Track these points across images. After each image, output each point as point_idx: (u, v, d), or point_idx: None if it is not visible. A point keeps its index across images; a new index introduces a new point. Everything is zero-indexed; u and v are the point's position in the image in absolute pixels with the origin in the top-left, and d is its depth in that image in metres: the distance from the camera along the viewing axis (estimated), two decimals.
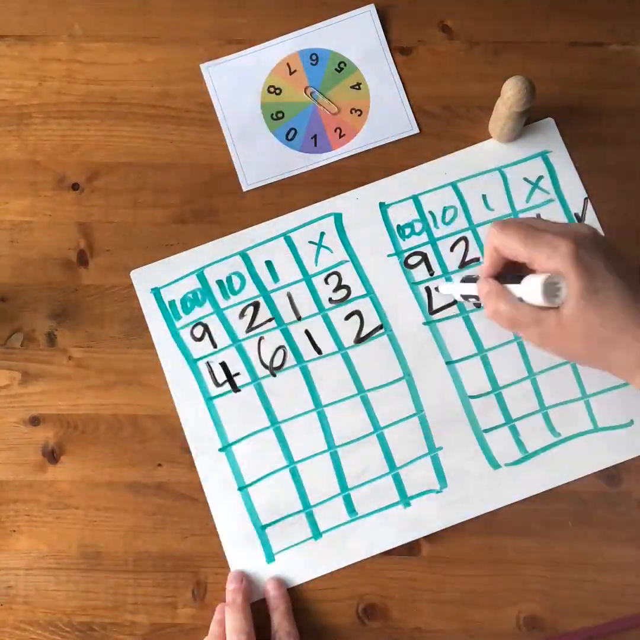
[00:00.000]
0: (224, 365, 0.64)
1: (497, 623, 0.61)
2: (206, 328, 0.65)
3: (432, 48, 0.69)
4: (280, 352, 0.65)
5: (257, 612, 0.60)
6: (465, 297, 0.61)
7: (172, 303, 0.65)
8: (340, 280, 0.66)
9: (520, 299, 0.52)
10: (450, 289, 0.63)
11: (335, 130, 0.68)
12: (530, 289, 0.50)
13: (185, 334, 0.65)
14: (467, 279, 0.60)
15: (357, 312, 0.65)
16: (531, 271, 0.52)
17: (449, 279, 0.65)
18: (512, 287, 0.52)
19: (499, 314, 0.52)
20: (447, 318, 0.65)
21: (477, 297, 0.58)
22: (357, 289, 0.65)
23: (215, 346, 0.65)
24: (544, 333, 0.51)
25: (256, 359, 0.64)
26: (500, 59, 0.69)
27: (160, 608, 0.62)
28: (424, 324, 0.65)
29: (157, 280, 0.66)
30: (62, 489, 0.63)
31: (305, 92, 0.68)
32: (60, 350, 0.65)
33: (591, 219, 0.66)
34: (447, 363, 0.64)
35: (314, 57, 0.69)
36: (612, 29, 0.69)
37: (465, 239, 0.66)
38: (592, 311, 0.48)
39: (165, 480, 0.63)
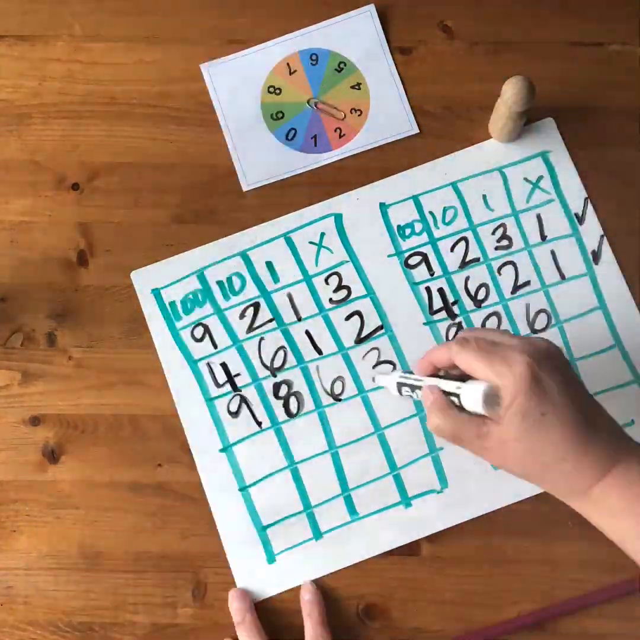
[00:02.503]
0: (224, 365, 0.64)
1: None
2: (206, 329, 0.65)
3: (432, 48, 0.69)
4: (281, 353, 0.65)
5: (264, 611, 0.61)
6: (400, 389, 0.58)
7: (172, 304, 0.65)
8: (340, 280, 0.66)
9: (460, 405, 0.51)
10: (387, 381, 0.60)
11: (335, 130, 0.68)
12: (471, 398, 0.50)
13: (185, 335, 0.65)
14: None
15: (358, 313, 0.65)
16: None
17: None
18: (453, 391, 0.52)
19: (442, 430, 0.52)
20: (447, 318, 0.65)
21: (411, 389, 0.57)
22: (358, 289, 0.65)
23: (215, 347, 0.65)
24: (485, 448, 0.50)
25: (257, 359, 0.64)
26: (500, 59, 0.69)
27: (160, 608, 0.62)
28: (425, 324, 0.65)
29: (158, 280, 0.66)
30: (62, 489, 0.63)
31: (308, 103, 0.68)
32: (60, 350, 0.65)
33: (591, 218, 0.66)
34: None
35: (314, 57, 0.69)
36: (612, 29, 0.69)
37: (465, 239, 0.66)
38: (535, 435, 0.48)
39: (165, 480, 0.63)
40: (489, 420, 0.50)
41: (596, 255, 0.66)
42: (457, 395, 0.51)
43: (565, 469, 0.48)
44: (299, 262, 0.66)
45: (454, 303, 0.65)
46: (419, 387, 0.55)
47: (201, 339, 0.65)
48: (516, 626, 0.60)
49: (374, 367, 0.64)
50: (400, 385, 0.58)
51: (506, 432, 0.48)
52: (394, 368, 0.64)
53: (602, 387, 0.63)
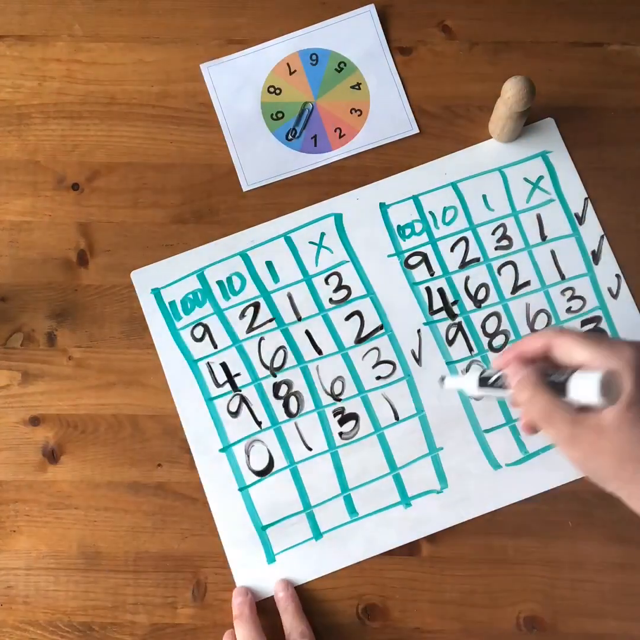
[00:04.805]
0: (224, 365, 0.64)
1: (497, 623, 0.61)
2: (206, 328, 0.65)
3: (432, 48, 0.69)
4: (281, 353, 0.65)
5: (263, 611, 0.61)
6: (485, 383, 0.52)
7: (172, 303, 0.65)
8: (340, 280, 0.66)
9: (562, 395, 0.46)
10: (459, 384, 0.55)
11: (335, 130, 0.68)
12: (582, 384, 0.45)
13: (185, 335, 0.65)
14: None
15: (358, 313, 0.65)
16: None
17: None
18: (556, 378, 0.47)
19: (534, 404, 0.46)
20: (447, 318, 0.65)
21: (497, 382, 0.51)
22: (358, 289, 0.65)
23: (215, 347, 0.65)
24: (575, 435, 0.45)
25: (257, 359, 0.64)
26: (500, 59, 0.69)
27: (160, 608, 0.62)
28: (425, 324, 0.65)
29: (158, 280, 0.66)
30: (62, 489, 0.63)
31: (305, 106, 0.69)
32: (60, 350, 0.65)
33: (591, 218, 0.66)
34: (448, 363, 0.64)
35: (314, 57, 0.69)
36: (612, 29, 0.69)
37: (465, 239, 0.66)
38: (638, 426, 0.43)
39: (165, 480, 0.63)
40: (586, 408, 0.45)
41: (596, 255, 0.66)
42: (557, 384, 0.46)
43: None
44: (299, 262, 0.66)
45: (454, 303, 0.65)
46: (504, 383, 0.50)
47: (201, 339, 0.65)
48: None
49: (373, 366, 0.64)
50: (484, 380, 0.52)
51: (606, 419, 0.44)
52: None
53: None
